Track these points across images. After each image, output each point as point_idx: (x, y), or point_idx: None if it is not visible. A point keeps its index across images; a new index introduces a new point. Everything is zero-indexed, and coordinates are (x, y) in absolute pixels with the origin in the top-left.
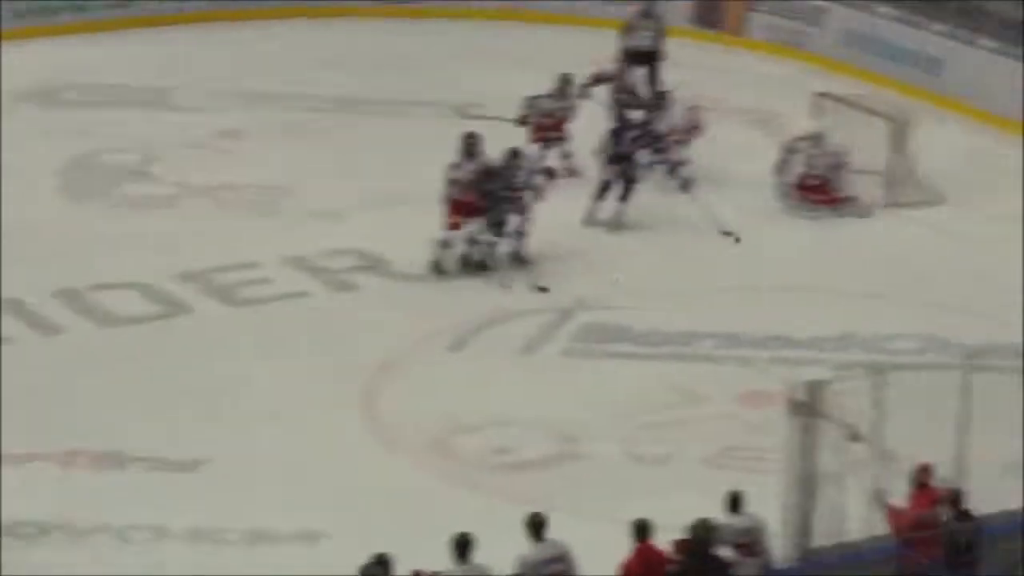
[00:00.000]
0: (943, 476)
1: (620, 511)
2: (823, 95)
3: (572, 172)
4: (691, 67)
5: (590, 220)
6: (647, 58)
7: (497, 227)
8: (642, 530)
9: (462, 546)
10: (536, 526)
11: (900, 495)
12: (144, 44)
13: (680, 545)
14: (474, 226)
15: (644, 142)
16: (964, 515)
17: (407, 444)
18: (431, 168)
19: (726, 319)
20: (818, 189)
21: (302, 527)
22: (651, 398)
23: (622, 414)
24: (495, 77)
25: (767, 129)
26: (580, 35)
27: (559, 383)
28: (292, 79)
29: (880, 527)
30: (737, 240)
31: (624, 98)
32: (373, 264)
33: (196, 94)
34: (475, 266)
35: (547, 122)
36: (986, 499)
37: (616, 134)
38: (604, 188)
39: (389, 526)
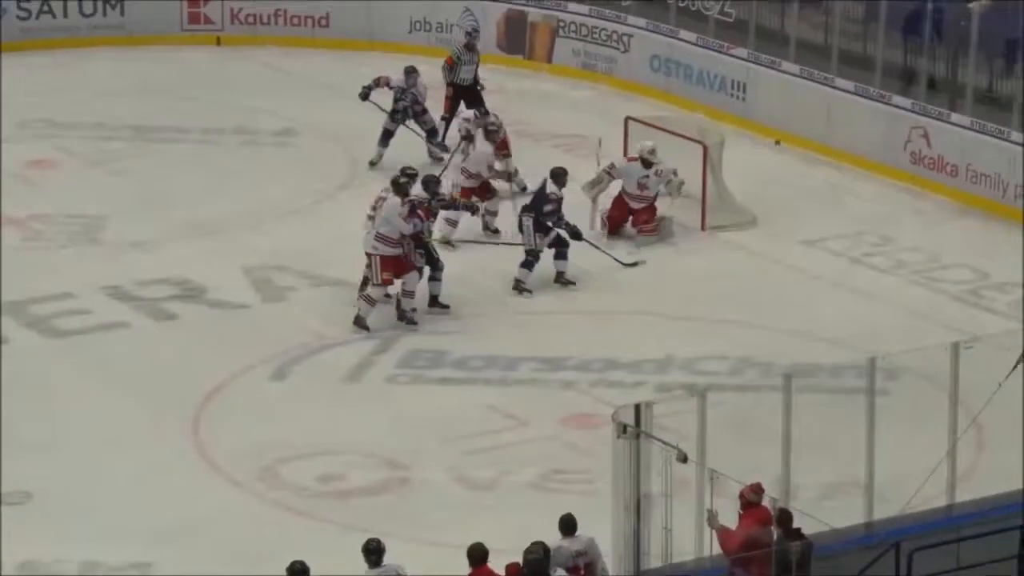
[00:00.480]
0: (770, 496)
1: (450, 536)
2: (633, 119)
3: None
4: (499, 93)
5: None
6: (473, 91)
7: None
8: (477, 555)
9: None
10: (567, 524)
11: (728, 514)
12: None
13: (514, 569)
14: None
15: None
16: (794, 534)
17: (234, 473)
18: (241, 195)
19: (548, 343)
20: (625, 216)
21: (133, 558)
22: (476, 423)
23: (448, 439)
24: (298, 103)
25: (577, 153)
26: (381, 60)
27: (384, 410)
28: (97, 109)
29: (710, 547)
30: (634, 264)
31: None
32: (192, 293)
33: (8, 127)
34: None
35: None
36: (812, 518)
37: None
38: None
39: (219, 554)
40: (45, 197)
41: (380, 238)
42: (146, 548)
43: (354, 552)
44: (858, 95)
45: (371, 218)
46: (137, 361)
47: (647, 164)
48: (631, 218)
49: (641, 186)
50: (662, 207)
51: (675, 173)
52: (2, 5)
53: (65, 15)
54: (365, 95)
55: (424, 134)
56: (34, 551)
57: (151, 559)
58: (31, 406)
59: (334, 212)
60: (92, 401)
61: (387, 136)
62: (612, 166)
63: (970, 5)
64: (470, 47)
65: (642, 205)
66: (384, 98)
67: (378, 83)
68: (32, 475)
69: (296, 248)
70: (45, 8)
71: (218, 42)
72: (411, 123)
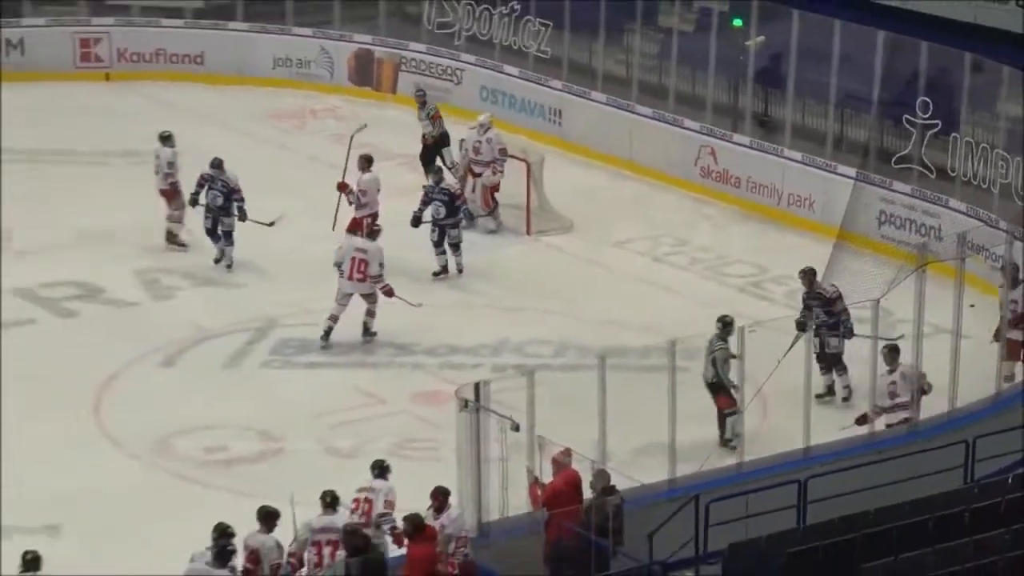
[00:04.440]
0: (589, 458)
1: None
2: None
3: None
4: (352, 120)
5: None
6: (437, 144)
7: None
8: (416, 525)
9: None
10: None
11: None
12: None
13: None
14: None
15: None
16: (609, 490)
17: (132, 448)
18: (129, 208)
19: (399, 331)
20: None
21: (46, 522)
22: (339, 400)
23: (316, 415)
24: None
25: (416, 169)
26: (250, 93)
27: (260, 391)
28: (22, 135)
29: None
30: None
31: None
32: (91, 293)
33: None
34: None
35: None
36: (625, 476)
37: None
38: None
39: (121, 517)
40: None
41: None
42: (58, 514)
43: (237, 513)
44: (655, 120)
45: None
46: (43, 353)
47: (483, 130)
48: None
49: (475, 150)
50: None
51: (504, 152)
52: None
53: None
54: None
55: None
56: None
57: (60, 521)
58: None
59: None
60: (3, 388)
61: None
62: (462, 141)
63: (747, 43)
64: (422, 103)
65: (481, 170)
66: None
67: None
68: None
69: (178, 253)
70: None
71: (107, 78)
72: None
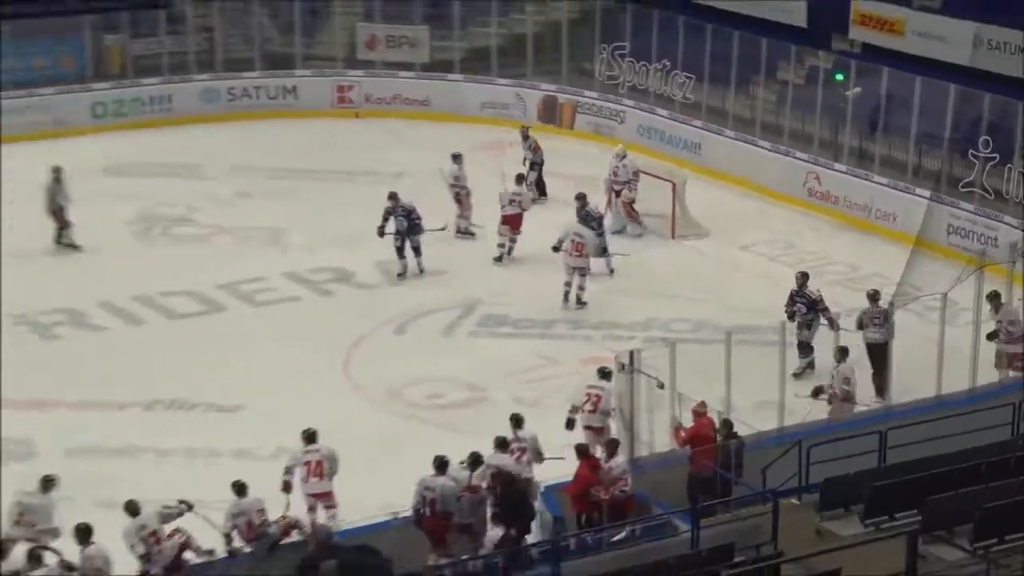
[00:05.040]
0: (717, 410)
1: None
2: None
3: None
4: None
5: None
6: (538, 166)
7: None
8: (582, 451)
9: (439, 463)
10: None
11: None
12: (178, 136)
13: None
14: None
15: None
16: (733, 435)
17: (370, 394)
18: (368, 214)
19: (579, 313)
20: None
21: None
22: (526, 362)
23: (509, 373)
24: (411, 155)
25: (589, 188)
26: (465, 128)
27: (468, 353)
28: (278, 158)
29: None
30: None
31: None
32: (343, 277)
33: (218, 168)
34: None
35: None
36: (745, 424)
37: None
38: None
39: (361, 447)
40: (245, 215)
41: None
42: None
43: (450, 445)
44: (773, 151)
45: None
46: (307, 322)
47: (620, 157)
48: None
49: (615, 173)
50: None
51: (637, 173)
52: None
53: (256, 97)
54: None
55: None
56: (246, 442)
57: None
58: (238, 350)
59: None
60: (276, 347)
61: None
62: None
63: (846, 93)
64: (524, 139)
65: (619, 188)
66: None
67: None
68: (241, 394)
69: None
70: (245, 92)
71: (357, 116)
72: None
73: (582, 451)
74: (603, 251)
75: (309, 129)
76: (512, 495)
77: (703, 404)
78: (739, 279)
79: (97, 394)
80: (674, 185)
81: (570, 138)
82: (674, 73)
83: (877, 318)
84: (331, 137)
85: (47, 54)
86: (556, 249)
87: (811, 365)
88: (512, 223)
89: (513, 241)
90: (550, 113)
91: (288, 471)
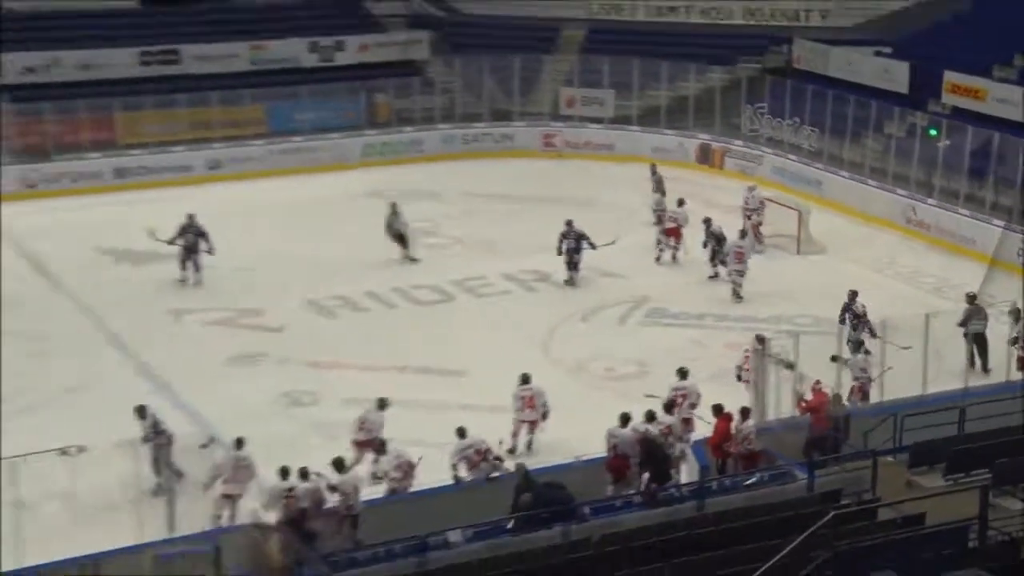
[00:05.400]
0: (831, 388)
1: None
2: (767, 199)
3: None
4: (696, 184)
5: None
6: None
7: None
8: (718, 409)
9: (624, 418)
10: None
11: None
12: (425, 170)
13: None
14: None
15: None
16: (841, 406)
17: (563, 366)
18: (558, 228)
19: (723, 308)
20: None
21: (501, 401)
22: (681, 345)
23: (668, 352)
24: (598, 187)
25: (735, 214)
26: (639, 168)
27: (637, 338)
28: (498, 187)
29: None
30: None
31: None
32: (543, 277)
33: (454, 194)
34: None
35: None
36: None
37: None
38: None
39: (556, 407)
40: (472, 229)
41: None
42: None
43: (620, 407)
44: (879, 188)
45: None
46: (515, 311)
47: (750, 190)
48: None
49: (746, 202)
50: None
51: (763, 203)
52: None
53: (483, 141)
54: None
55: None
56: (469, 399)
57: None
58: (464, 332)
59: (601, 237)
60: (492, 329)
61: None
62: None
63: (938, 144)
64: (652, 173)
65: (750, 214)
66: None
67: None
68: (466, 363)
69: (594, 255)
70: (475, 138)
71: (559, 157)
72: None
73: (718, 410)
74: (722, 262)
75: (522, 166)
76: (654, 454)
77: (819, 382)
78: (849, 286)
79: (363, 359)
80: (800, 213)
81: (720, 176)
82: (802, 127)
83: (978, 314)
84: (538, 172)
85: (334, 109)
86: (723, 262)
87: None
88: (673, 235)
89: (675, 248)
90: (705, 157)
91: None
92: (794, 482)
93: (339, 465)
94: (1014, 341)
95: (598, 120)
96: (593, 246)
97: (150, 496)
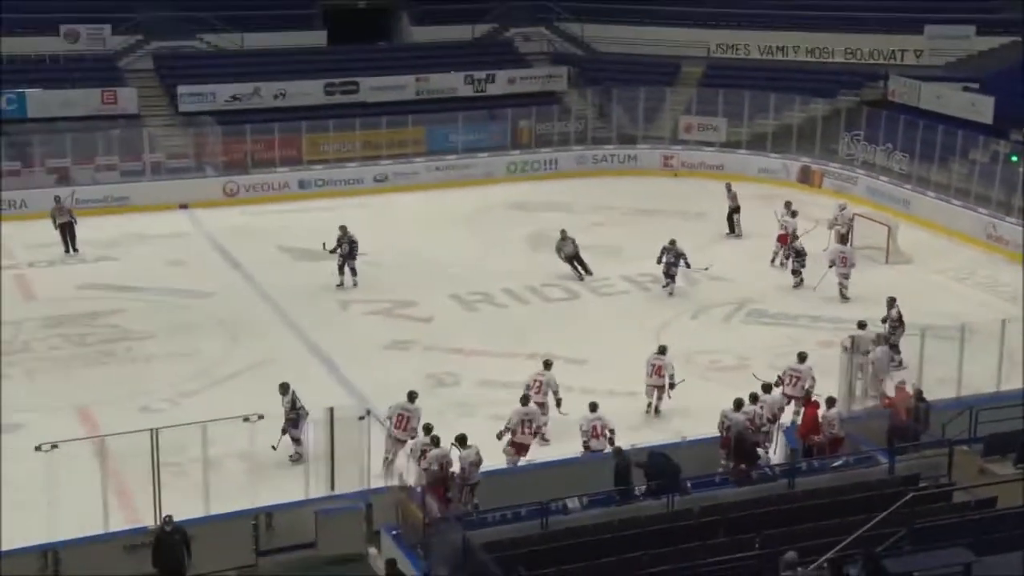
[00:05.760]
0: (914, 383)
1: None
2: (858, 215)
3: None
4: (797, 200)
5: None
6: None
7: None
8: (807, 397)
9: (737, 403)
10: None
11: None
12: (559, 185)
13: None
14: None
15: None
16: (922, 399)
17: (674, 358)
18: (671, 236)
19: (817, 309)
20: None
21: (617, 387)
22: (778, 343)
23: (765, 349)
24: (710, 203)
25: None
26: (749, 186)
27: (739, 334)
28: (623, 201)
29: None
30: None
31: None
32: (657, 280)
33: (584, 207)
34: None
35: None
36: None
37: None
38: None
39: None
40: (599, 237)
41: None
42: (623, 379)
43: (721, 398)
44: (964, 207)
45: None
46: (629, 308)
47: (840, 208)
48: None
49: (835, 218)
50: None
51: (851, 217)
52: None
53: (611, 162)
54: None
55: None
56: (590, 384)
57: (634, 389)
58: (584, 324)
59: (720, 249)
60: (612, 324)
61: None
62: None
63: (1020, 169)
64: (727, 189)
65: (839, 227)
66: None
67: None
68: (586, 350)
69: (701, 263)
70: (604, 158)
71: (675, 175)
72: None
73: (807, 398)
74: (796, 273)
75: (643, 183)
76: (742, 443)
77: (903, 381)
78: (932, 293)
79: (498, 347)
80: (889, 228)
81: (819, 194)
82: (894, 152)
83: None
84: (658, 189)
85: (484, 131)
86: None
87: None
88: (782, 240)
89: (787, 256)
90: (805, 177)
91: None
92: (877, 466)
93: (462, 440)
94: None
95: (711, 144)
96: (688, 265)
97: (292, 463)
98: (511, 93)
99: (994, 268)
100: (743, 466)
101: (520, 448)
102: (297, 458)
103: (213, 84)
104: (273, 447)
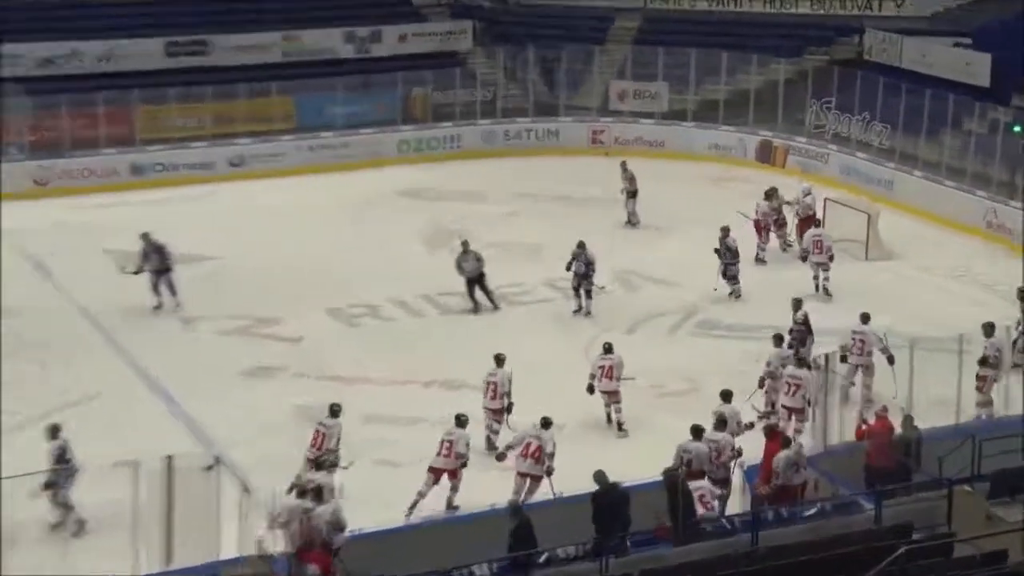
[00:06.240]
0: (902, 407)
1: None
2: (831, 200)
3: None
4: (755, 183)
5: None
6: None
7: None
8: (771, 430)
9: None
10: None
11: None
12: (464, 168)
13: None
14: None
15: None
16: (913, 428)
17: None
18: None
19: (775, 318)
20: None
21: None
22: (733, 360)
23: (721, 368)
24: (649, 188)
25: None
26: (695, 166)
27: (688, 350)
28: (542, 186)
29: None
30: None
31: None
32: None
33: (495, 194)
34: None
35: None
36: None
37: None
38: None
39: (599, 427)
40: (513, 232)
41: None
42: (556, 411)
43: (670, 429)
44: (957, 189)
45: None
46: (555, 320)
47: (806, 192)
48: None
49: (796, 201)
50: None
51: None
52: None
53: (527, 138)
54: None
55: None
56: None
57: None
58: (499, 341)
59: (662, 246)
60: (530, 339)
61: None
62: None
63: (1023, 142)
64: (623, 170)
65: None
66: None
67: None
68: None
69: (641, 263)
70: (518, 134)
71: (606, 154)
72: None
73: (771, 431)
74: (733, 279)
75: (568, 164)
76: (676, 491)
77: (884, 408)
78: (920, 294)
79: (386, 372)
80: (869, 216)
81: (782, 175)
82: (873, 123)
83: None
84: (586, 171)
85: (369, 103)
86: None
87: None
88: (758, 231)
89: (788, 244)
90: (766, 154)
91: (592, 376)
92: (860, 513)
93: (317, 494)
94: None
95: (650, 115)
96: (590, 276)
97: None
98: (402, 54)
99: (995, 263)
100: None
101: (437, 473)
102: (77, 529)
103: (20, 43)
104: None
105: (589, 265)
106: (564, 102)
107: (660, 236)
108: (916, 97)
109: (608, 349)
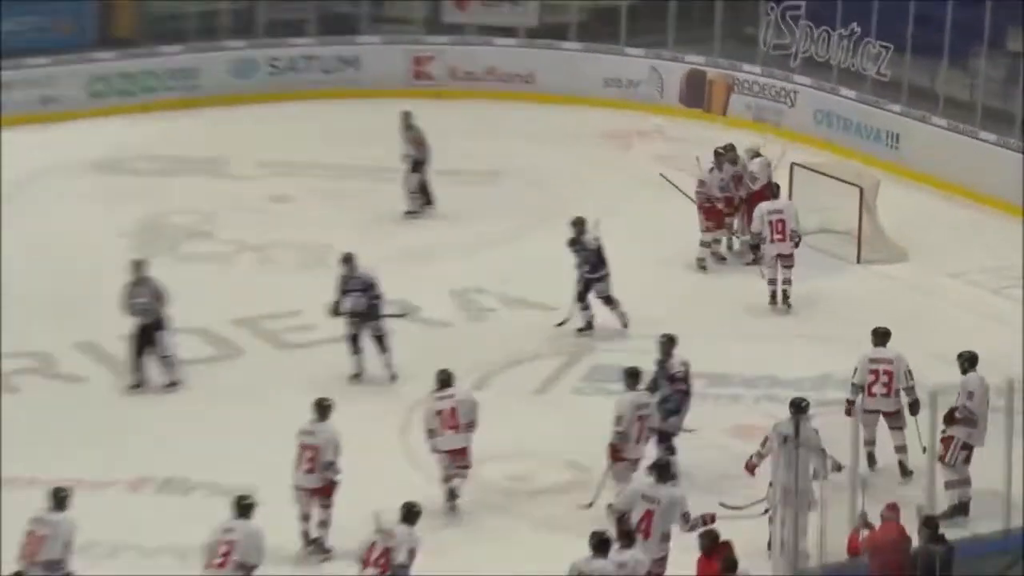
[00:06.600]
0: (917, 503)
1: None
2: (798, 165)
3: None
4: (682, 141)
5: None
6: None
7: None
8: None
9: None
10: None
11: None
12: (201, 120)
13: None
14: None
15: None
16: (938, 538)
17: (435, 470)
18: (449, 227)
19: (717, 360)
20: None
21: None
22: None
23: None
24: (508, 148)
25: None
26: (583, 113)
27: (570, 418)
28: (329, 152)
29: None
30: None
31: None
32: (407, 310)
33: (248, 164)
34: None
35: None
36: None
37: None
38: None
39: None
40: (280, 227)
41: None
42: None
43: (541, 547)
44: (999, 146)
45: None
46: (347, 373)
47: (754, 153)
48: None
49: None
50: None
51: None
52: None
53: (306, 71)
54: None
55: None
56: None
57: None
58: (257, 405)
59: (531, 244)
60: (305, 402)
61: None
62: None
63: None
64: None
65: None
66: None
67: None
68: (255, 470)
69: (497, 274)
70: (291, 65)
71: (438, 95)
72: None
73: (712, 543)
74: (608, 300)
75: (373, 113)
76: None
77: (893, 506)
78: (946, 318)
79: (70, 469)
80: (861, 191)
81: (721, 127)
82: (866, 42)
83: None
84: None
85: (40, 15)
86: (756, 248)
87: None
88: (707, 215)
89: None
90: (696, 93)
91: (429, 432)
92: None
93: None
94: None
95: (509, 32)
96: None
97: None
98: None
99: None
100: None
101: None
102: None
103: None
104: None
105: (370, 292)
106: (368, 12)
107: (523, 230)
108: (931, 5)
109: (445, 381)
